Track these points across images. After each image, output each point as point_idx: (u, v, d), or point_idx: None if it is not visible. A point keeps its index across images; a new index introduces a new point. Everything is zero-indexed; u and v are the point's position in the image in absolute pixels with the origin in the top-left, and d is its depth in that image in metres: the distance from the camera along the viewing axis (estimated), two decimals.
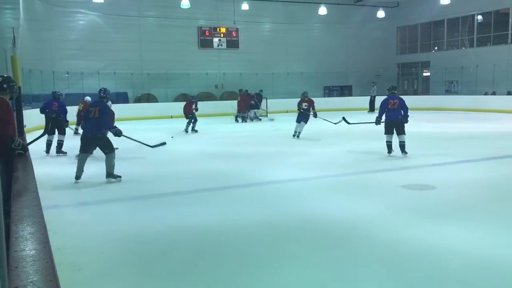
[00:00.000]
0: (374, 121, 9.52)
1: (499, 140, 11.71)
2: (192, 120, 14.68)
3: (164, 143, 8.36)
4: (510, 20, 23.43)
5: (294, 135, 12.49)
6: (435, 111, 21.72)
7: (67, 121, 10.30)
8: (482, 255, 3.96)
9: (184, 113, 15.04)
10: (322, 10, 26.17)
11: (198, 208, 5.71)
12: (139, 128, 15.20)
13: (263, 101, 20.68)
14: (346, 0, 27.37)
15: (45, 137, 9.42)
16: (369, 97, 23.11)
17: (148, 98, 23.33)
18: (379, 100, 11.31)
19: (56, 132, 10.16)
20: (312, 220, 5.11)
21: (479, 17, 25.34)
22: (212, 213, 5.43)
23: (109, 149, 7.09)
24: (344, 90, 28.23)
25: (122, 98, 21.97)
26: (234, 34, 26.19)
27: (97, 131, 7.09)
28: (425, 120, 16.56)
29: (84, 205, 6.04)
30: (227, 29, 25.92)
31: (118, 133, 7.24)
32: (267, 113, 20.42)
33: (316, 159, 9.23)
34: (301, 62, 26.71)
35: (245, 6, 24.83)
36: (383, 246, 4.25)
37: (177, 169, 8.56)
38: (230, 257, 4.07)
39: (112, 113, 8.74)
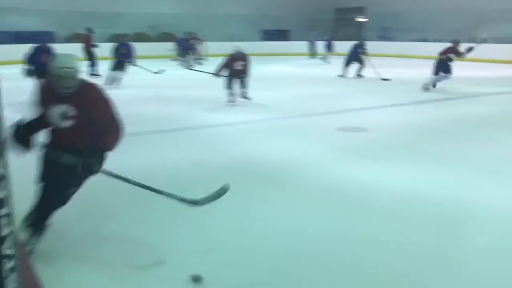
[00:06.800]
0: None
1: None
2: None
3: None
4: None
5: None
6: (368, 57, 22.13)
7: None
8: (410, 190, 4.27)
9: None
10: None
11: (136, 151, 5.63)
12: None
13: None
14: None
15: None
16: (308, 42, 23.44)
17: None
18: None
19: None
20: (252, 161, 5.23)
21: None
22: (151, 156, 5.41)
23: None
24: (282, 34, 27.95)
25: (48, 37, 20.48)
26: None
27: None
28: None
29: None
30: None
31: None
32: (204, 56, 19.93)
33: (255, 102, 9.27)
34: (240, 3, 25.91)
35: None
36: (320, 184, 4.47)
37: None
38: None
39: None
